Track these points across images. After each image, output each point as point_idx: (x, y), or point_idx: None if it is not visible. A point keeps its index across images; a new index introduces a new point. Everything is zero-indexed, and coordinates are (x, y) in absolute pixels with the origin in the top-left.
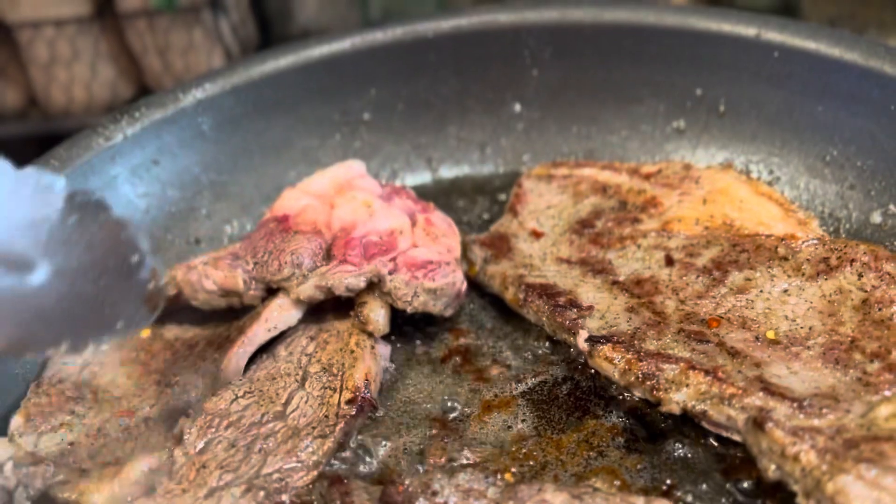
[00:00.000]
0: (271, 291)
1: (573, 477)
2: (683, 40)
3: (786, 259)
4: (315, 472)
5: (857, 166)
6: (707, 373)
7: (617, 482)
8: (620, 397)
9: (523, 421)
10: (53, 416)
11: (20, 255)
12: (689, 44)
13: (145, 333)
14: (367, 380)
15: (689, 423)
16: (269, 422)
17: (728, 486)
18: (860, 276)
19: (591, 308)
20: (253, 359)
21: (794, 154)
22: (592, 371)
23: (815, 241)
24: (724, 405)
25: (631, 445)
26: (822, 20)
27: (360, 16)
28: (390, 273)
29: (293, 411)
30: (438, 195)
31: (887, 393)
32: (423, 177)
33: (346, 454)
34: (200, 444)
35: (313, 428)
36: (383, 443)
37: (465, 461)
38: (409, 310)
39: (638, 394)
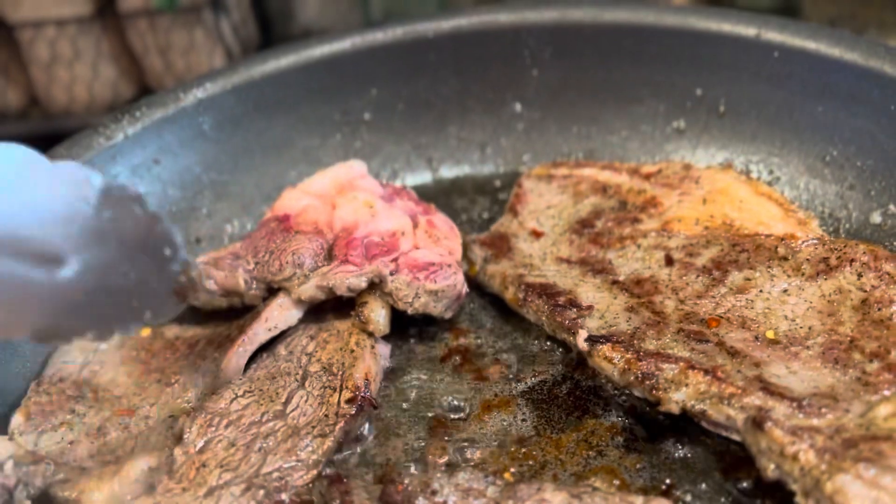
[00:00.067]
0: (272, 291)
1: (572, 476)
2: (683, 40)
3: (785, 259)
4: (315, 471)
5: (857, 166)
6: (706, 372)
7: (616, 481)
8: (620, 397)
9: (523, 420)
10: (54, 415)
11: (51, 249)
12: (689, 44)
13: (145, 332)
14: (366, 379)
15: (688, 423)
16: (269, 421)
17: (727, 485)
18: (860, 275)
19: (590, 308)
20: (253, 358)
21: (794, 154)
22: (592, 371)
23: (815, 241)
24: (724, 405)
25: (630, 445)
26: (823, 20)
27: (361, 16)
28: (392, 274)
29: (293, 410)
30: (439, 195)
31: (886, 392)
32: (423, 177)
33: (346, 453)
34: (200, 443)
35: (313, 427)
36: (383, 442)
37: (464, 460)
38: (409, 311)
39: (637, 393)
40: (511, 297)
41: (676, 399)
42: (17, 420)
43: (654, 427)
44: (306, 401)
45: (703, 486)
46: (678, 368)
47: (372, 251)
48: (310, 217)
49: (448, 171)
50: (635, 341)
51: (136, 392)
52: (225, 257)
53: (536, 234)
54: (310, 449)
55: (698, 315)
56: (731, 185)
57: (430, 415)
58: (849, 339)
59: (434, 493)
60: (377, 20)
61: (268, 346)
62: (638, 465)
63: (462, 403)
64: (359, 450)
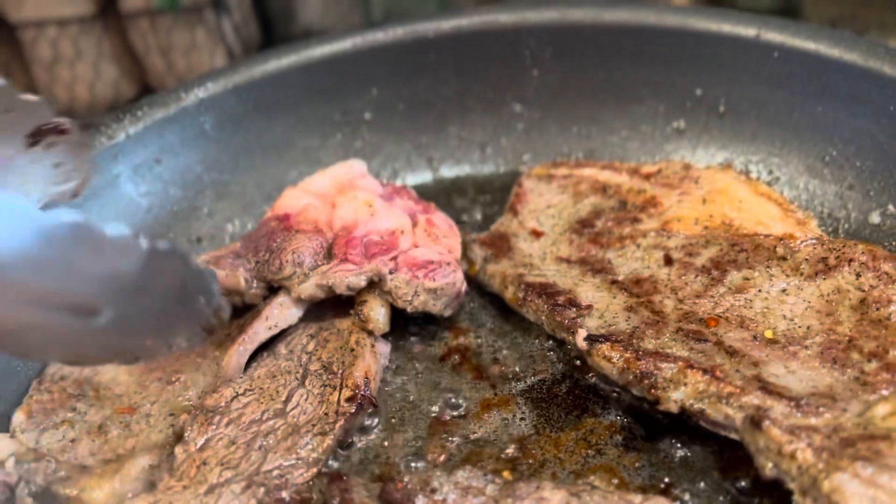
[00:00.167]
0: (273, 290)
1: (571, 475)
2: (683, 41)
3: (784, 259)
4: (315, 470)
5: (857, 166)
6: (705, 372)
7: (615, 480)
8: (619, 396)
9: (522, 419)
10: (55, 413)
11: (89, 304)
12: (689, 44)
13: None
14: (366, 378)
15: (686, 422)
16: (270, 419)
17: (725, 484)
18: (858, 275)
19: (590, 307)
20: (254, 357)
21: (794, 154)
22: (591, 370)
23: (814, 241)
24: (722, 404)
25: (629, 444)
26: (824, 21)
27: (362, 16)
28: (391, 272)
29: (293, 409)
30: (439, 195)
31: (884, 392)
32: (423, 176)
33: (346, 451)
34: (201, 441)
35: (313, 425)
36: (383, 440)
37: (463, 459)
38: (409, 309)
39: (636, 392)
40: (511, 297)
41: (675, 398)
42: (18, 418)
43: (652, 426)
44: (306, 399)
45: (702, 484)
46: (677, 368)
47: (371, 250)
48: (310, 216)
49: (448, 171)
50: (634, 340)
51: (137, 390)
52: (226, 256)
53: (536, 234)
54: (310, 447)
55: (697, 314)
56: (730, 185)
57: (429, 413)
58: (847, 338)
59: (433, 491)
60: (378, 20)
61: (268, 345)
62: (637, 464)
63: (461, 402)
64: (359, 447)
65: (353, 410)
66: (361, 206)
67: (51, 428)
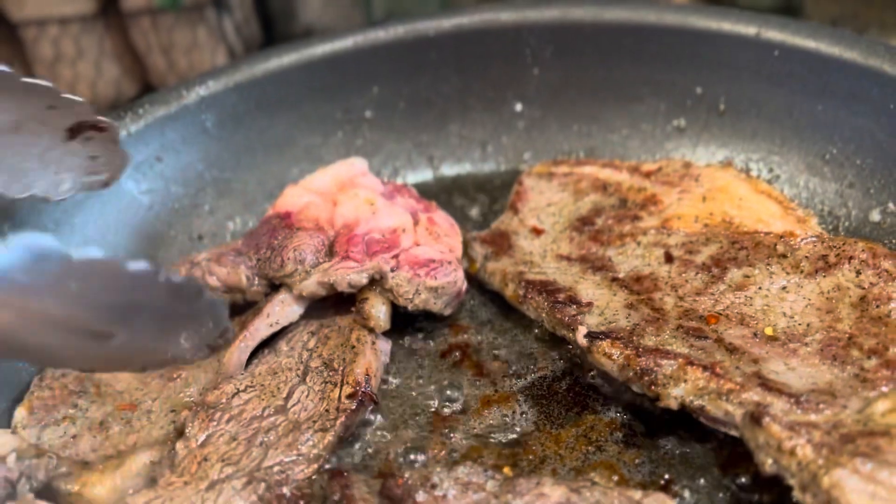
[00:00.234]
0: (274, 287)
1: (572, 471)
2: (684, 39)
3: (784, 256)
4: (315, 466)
5: (857, 164)
6: (705, 368)
7: (615, 477)
8: (619, 393)
9: (522, 415)
10: (56, 410)
11: (106, 330)
12: (689, 43)
13: None
14: (367, 374)
15: (686, 419)
16: (271, 416)
17: (725, 480)
18: (858, 273)
19: (590, 304)
20: (255, 353)
21: (794, 152)
22: (591, 367)
23: (814, 239)
24: (722, 400)
25: (629, 440)
26: (824, 20)
27: (363, 15)
28: (392, 270)
29: (294, 405)
30: (440, 193)
31: (884, 389)
32: (424, 174)
33: (347, 448)
34: (202, 438)
35: (314, 422)
36: (383, 436)
37: (464, 455)
38: (410, 307)
39: (636, 389)
40: (511, 294)
41: (675, 395)
42: (20, 414)
43: (652, 423)
44: (307, 396)
45: (702, 481)
46: (677, 364)
47: (373, 248)
48: (311, 214)
49: (449, 169)
50: (634, 337)
51: (138, 387)
52: (227, 254)
53: (537, 232)
54: (311, 443)
55: (697, 312)
56: (730, 183)
57: (430, 410)
58: (847, 335)
59: (434, 486)
60: (379, 19)
61: (269, 342)
62: (637, 461)
63: (462, 399)
64: (360, 444)
65: (353, 407)
66: (363, 204)
67: (52, 424)
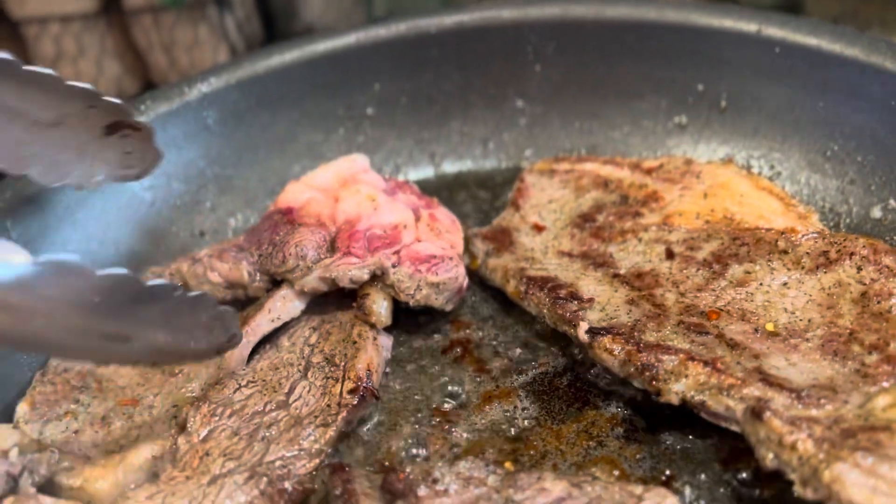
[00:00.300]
0: (276, 283)
1: (573, 466)
2: (685, 36)
3: (785, 252)
4: (317, 460)
5: (858, 161)
6: (706, 364)
7: (616, 472)
8: (620, 388)
9: (524, 411)
10: (58, 405)
11: (125, 335)
12: (690, 40)
13: None
14: (368, 370)
15: (687, 414)
16: (272, 411)
17: (726, 475)
18: (859, 269)
19: (591, 300)
20: (256, 349)
21: (795, 149)
22: (592, 362)
23: (815, 235)
24: (723, 395)
25: (630, 436)
26: (825, 18)
27: (364, 12)
28: (394, 266)
29: (296, 400)
30: (441, 189)
31: (885, 384)
32: (426, 171)
33: (348, 443)
34: (204, 433)
35: (315, 417)
36: (385, 431)
37: (465, 450)
38: (411, 303)
39: (637, 384)
40: (512, 291)
41: (676, 390)
42: (22, 409)
43: (653, 418)
44: (309, 391)
45: (703, 476)
46: (678, 360)
47: (374, 244)
48: (313, 210)
49: (450, 166)
50: (636, 333)
51: (140, 382)
52: (229, 249)
53: (538, 228)
54: (312, 438)
55: (698, 308)
56: (731, 180)
57: (431, 405)
58: (848, 331)
59: (435, 481)
60: (380, 16)
61: (271, 338)
62: (638, 456)
63: (463, 394)
64: (361, 439)
65: (355, 402)
66: (364, 201)
67: (54, 419)
